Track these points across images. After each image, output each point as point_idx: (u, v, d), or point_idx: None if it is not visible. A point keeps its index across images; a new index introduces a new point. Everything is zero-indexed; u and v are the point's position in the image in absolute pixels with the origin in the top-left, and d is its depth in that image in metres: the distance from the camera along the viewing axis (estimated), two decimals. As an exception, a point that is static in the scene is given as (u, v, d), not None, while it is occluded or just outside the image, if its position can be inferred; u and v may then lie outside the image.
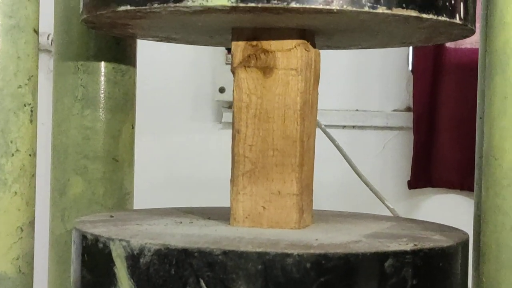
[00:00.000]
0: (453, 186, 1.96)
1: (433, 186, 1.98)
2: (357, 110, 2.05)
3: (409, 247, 0.75)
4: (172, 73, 2.10)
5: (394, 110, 2.05)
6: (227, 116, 2.07)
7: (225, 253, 0.72)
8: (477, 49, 1.90)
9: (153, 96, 2.04)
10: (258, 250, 0.72)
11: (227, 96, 2.03)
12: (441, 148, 1.95)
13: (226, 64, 2.02)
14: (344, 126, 2.04)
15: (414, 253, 0.75)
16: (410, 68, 2.05)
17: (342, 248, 0.74)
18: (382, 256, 0.73)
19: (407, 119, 2.01)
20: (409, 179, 1.98)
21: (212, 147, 2.08)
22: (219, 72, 2.04)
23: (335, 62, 1.89)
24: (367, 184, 1.79)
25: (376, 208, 1.75)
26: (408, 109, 2.04)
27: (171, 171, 2.09)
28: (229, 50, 1.98)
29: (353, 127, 2.05)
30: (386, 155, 2.03)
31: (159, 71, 2.04)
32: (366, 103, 2.05)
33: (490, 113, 0.71)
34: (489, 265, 0.72)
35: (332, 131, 1.77)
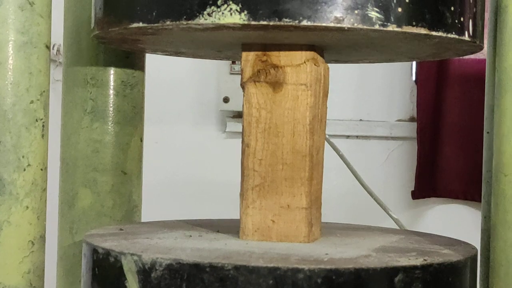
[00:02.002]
0: (457, 196, 1.97)
1: (437, 196, 1.99)
2: (361, 120, 2.06)
3: (418, 262, 0.76)
4: (176, 83, 2.11)
5: (398, 120, 2.06)
6: (231, 126, 2.08)
7: (237, 268, 0.72)
8: (481, 60, 1.93)
9: (158, 105, 2.05)
10: (269, 265, 0.73)
11: (231, 106, 2.04)
12: (445, 158, 1.96)
13: (231, 74, 2.03)
14: (348, 136, 2.05)
15: (424, 268, 0.75)
16: (413, 78, 2.06)
17: (353, 263, 0.74)
18: (392, 271, 0.74)
19: (411, 129, 2.02)
20: (413, 189, 1.99)
21: (216, 156, 2.08)
22: (223, 82, 2.05)
23: (339, 72, 1.90)
24: (371, 194, 1.79)
25: (380, 218, 1.75)
26: (411, 119, 2.04)
27: (175, 180, 2.10)
28: (234, 60, 2.01)
29: (357, 137, 2.06)
30: (390, 165, 2.04)
31: (163, 80, 2.05)
32: (370, 113, 2.06)
33: (500, 130, 0.72)
34: (499, 281, 0.73)
35: (336, 141, 1.78)
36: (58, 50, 1.93)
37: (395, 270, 0.74)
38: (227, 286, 0.72)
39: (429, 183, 1.98)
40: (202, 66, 2.09)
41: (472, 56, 1.95)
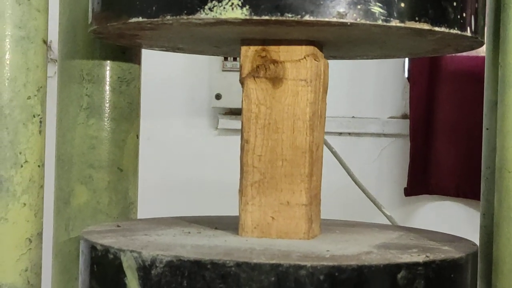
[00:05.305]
0: (449, 193, 1.97)
1: (429, 193, 1.98)
2: (353, 117, 2.06)
3: (421, 258, 0.76)
4: (168, 79, 2.10)
5: (390, 117, 2.05)
6: (223, 123, 2.07)
7: (239, 265, 0.72)
8: (472, 57, 1.93)
9: (149, 102, 2.03)
10: (271, 262, 0.72)
11: (223, 102, 2.03)
12: (438, 155, 1.96)
13: (223, 70, 2.02)
14: (340, 133, 2.05)
15: (426, 264, 0.75)
16: (406, 75, 2.05)
17: (355, 260, 0.74)
18: (395, 268, 0.73)
19: (403, 126, 2.01)
20: (405, 186, 1.99)
21: (208, 153, 2.07)
22: (215, 79, 2.04)
23: (331, 69, 1.89)
24: (363, 191, 1.79)
25: (372, 215, 1.75)
26: (404, 116, 2.04)
27: (167, 177, 2.09)
28: (226, 57, 1.99)
29: (350, 134, 2.05)
30: (382, 162, 2.04)
31: (155, 77, 2.04)
32: (362, 110, 2.06)
33: (504, 126, 0.72)
34: (502, 278, 0.73)
35: (328, 138, 1.77)
36: (49, 46, 1.91)
37: (398, 266, 0.74)
38: (229, 283, 0.72)
39: (421, 180, 1.98)
40: (194, 63, 2.07)
41: (464, 53, 1.95)
